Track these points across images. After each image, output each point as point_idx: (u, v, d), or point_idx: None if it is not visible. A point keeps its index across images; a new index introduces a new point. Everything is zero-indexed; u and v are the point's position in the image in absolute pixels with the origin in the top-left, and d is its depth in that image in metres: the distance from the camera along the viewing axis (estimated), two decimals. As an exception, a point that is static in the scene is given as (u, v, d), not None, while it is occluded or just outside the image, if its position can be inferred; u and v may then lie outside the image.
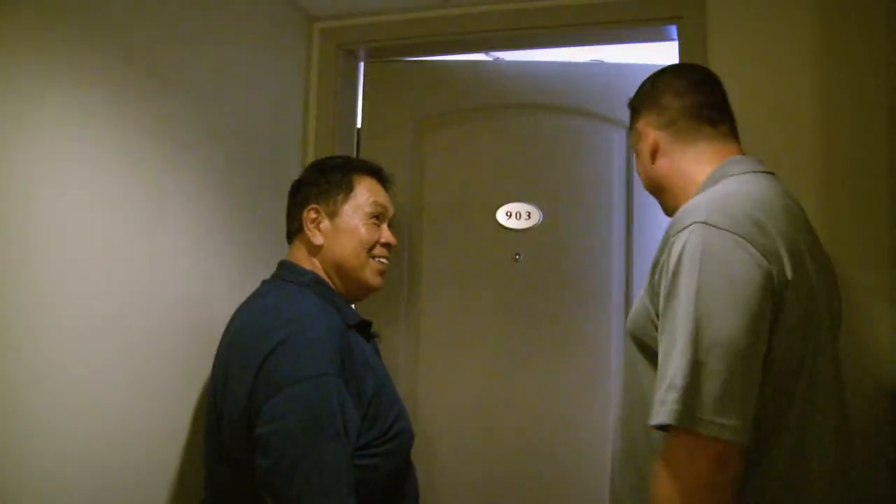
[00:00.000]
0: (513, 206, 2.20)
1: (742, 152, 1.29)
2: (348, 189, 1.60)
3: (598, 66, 2.35)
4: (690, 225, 1.06)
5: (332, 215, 1.58)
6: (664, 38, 2.05)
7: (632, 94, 1.41)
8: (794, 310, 1.05)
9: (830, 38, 1.80)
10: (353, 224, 1.58)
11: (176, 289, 1.59)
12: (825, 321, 1.12)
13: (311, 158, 2.18)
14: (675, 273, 1.04)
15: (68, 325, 1.30)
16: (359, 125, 2.33)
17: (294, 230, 1.62)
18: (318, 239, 1.57)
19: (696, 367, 0.98)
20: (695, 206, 1.10)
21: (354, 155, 2.29)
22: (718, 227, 1.04)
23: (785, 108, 1.82)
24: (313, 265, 1.57)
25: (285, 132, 2.09)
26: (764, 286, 1.01)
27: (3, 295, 1.18)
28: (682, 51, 1.92)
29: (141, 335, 1.47)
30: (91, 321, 1.35)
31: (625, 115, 1.45)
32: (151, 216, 1.51)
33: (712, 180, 1.21)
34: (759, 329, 1.00)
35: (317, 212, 1.58)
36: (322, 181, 1.61)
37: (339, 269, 1.57)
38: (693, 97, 1.30)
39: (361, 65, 2.33)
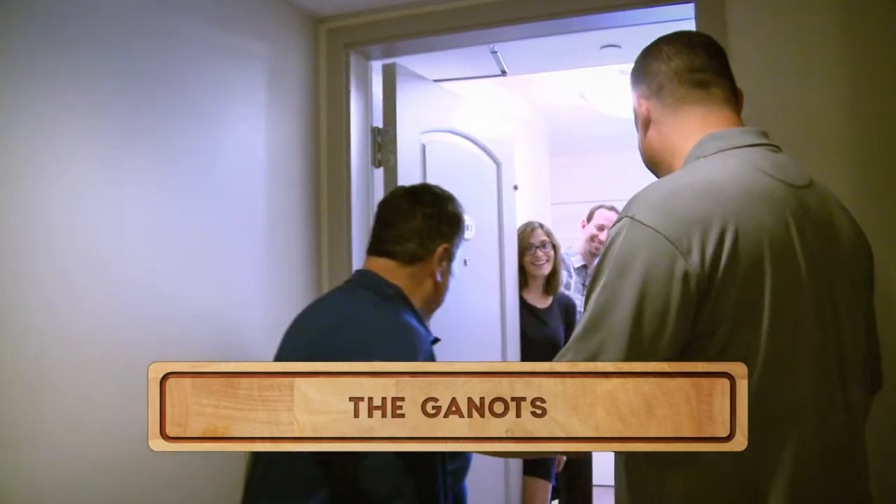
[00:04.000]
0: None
1: (736, 120, 1.18)
2: (458, 245, 1.59)
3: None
4: (623, 218, 1.04)
5: (450, 260, 1.57)
6: (680, 18, 1.97)
7: None
8: (725, 300, 0.98)
9: (855, 14, 1.71)
10: (452, 273, 1.59)
11: (193, 296, 1.59)
12: (805, 313, 1.03)
13: (323, 160, 2.16)
14: (599, 265, 1.04)
15: (80, 333, 1.30)
16: (374, 124, 2.29)
17: (417, 255, 1.52)
18: (441, 276, 1.55)
19: (593, 358, 0.98)
20: (636, 197, 1.06)
21: (370, 154, 2.26)
22: (645, 224, 1.01)
23: (809, 93, 1.74)
24: (398, 280, 1.51)
25: (297, 135, 2.07)
26: (683, 284, 0.97)
27: (23, 299, 1.17)
28: (699, 28, 1.84)
29: (154, 343, 1.46)
30: (103, 328, 1.35)
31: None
32: (170, 223, 1.50)
33: (689, 160, 1.14)
34: (667, 324, 0.97)
35: (446, 252, 1.54)
36: (459, 225, 1.59)
37: (428, 303, 1.56)
38: (680, 59, 1.20)
39: (371, 63, 2.30)
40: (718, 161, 1.10)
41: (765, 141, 1.14)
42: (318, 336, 1.43)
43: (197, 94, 1.64)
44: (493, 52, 2.42)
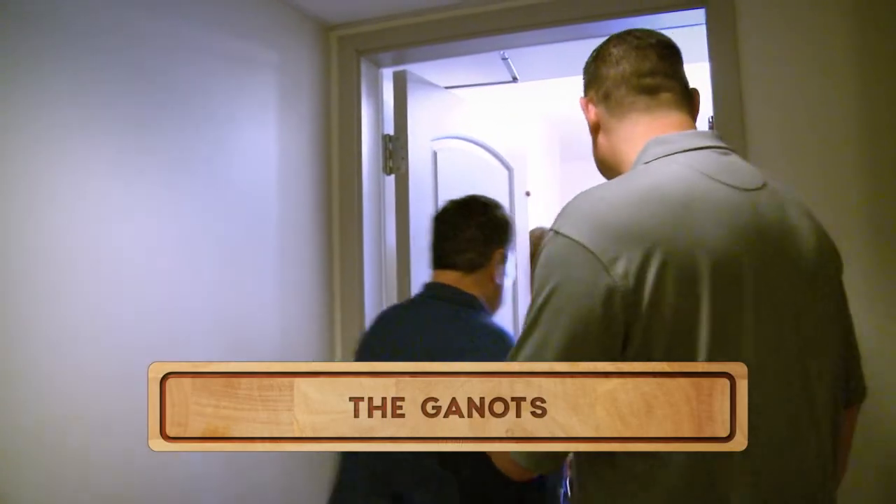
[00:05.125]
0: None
1: (686, 123, 1.12)
2: (511, 248, 1.68)
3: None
4: (550, 231, 0.99)
5: (505, 262, 1.66)
6: (692, 23, 1.97)
7: None
8: (657, 319, 0.92)
9: (867, 15, 1.69)
10: (507, 274, 1.68)
11: (204, 302, 1.59)
12: (751, 328, 0.96)
13: (335, 167, 2.17)
14: (533, 280, 1.00)
15: (87, 338, 1.30)
16: (386, 131, 2.30)
17: (477, 263, 1.61)
18: (500, 278, 1.64)
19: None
20: (564, 207, 1.01)
21: (381, 161, 2.27)
22: (569, 238, 0.95)
23: (821, 95, 1.72)
24: (466, 288, 1.60)
25: (308, 142, 2.08)
26: (605, 301, 0.91)
27: (32, 303, 1.18)
28: (711, 34, 1.84)
29: (164, 348, 1.47)
30: (112, 333, 1.35)
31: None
32: (180, 230, 1.51)
33: (632, 167, 1.09)
34: (588, 342, 0.92)
35: (502, 255, 1.63)
36: (509, 229, 1.68)
37: (492, 304, 1.65)
38: (628, 64, 1.14)
39: (382, 71, 2.31)
40: (659, 167, 1.04)
41: (714, 143, 1.07)
42: (429, 343, 1.49)
43: (207, 102, 1.65)
44: (504, 59, 2.42)
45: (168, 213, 1.52)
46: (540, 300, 0.94)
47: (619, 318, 0.91)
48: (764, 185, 1.04)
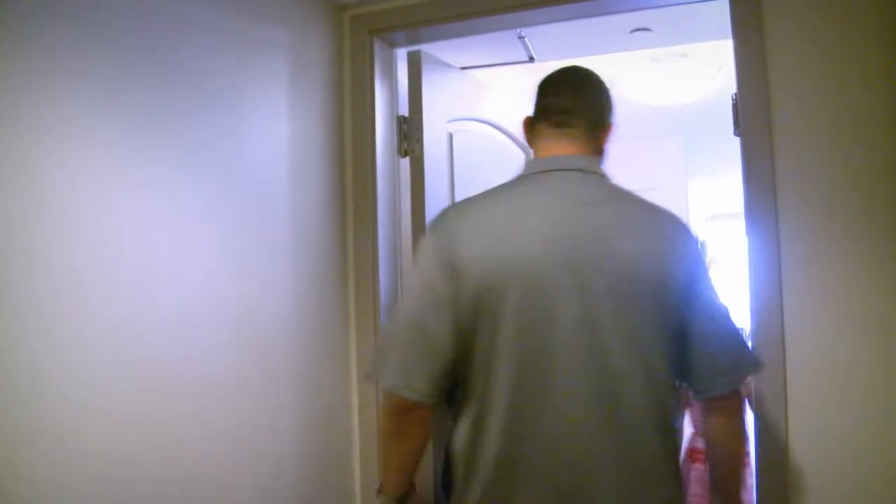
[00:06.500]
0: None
1: (571, 149, 1.37)
2: None
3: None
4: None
5: None
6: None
7: None
8: (464, 302, 1.26)
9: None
10: None
11: (214, 287, 1.57)
12: (549, 318, 1.24)
13: (348, 149, 2.14)
14: None
15: (90, 330, 1.28)
16: (400, 113, 2.26)
17: None
18: None
19: (387, 339, 1.34)
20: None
21: (395, 143, 2.23)
22: (430, 231, 1.34)
23: (852, 75, 1.66)
24: None
25: (320, 124, 2.04)
26: (443, 286, 1.27)
27: (34, 296, 1.16)
28: (735, 9, 1.78)
29: (174, 335, 1.46)
30: (122, 326, 1.33)
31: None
32: (191, 214, 1.49)
33: None
34: (435, 318, 1.27)
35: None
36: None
37: None
38: (546, 99, 1.43)
39: (396, 51, 2.27)
40: (508, 186, 1.37)
41: (572, 166, 1.35)
42: None
43: (216, 84, 1.62)
44: (521, 38, 2.37)
45: (176, 200, 1.48)
46: (409, 283, 1.48)
47: (450, 294, 1.27)
48: (605, 200, 1.32)
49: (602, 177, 1.38)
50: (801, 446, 1.64)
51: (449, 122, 2.32)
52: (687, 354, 1.32)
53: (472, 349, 1.28)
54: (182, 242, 1.49)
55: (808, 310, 1.66)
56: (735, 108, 1.81)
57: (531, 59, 2.55)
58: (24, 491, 1.15)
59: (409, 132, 2.23)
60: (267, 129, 1.79)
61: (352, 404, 2.06)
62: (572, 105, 1.40)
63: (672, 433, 1.32)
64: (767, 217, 1.70)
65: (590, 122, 1.40)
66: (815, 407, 1.64)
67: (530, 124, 1.45)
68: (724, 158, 5.83)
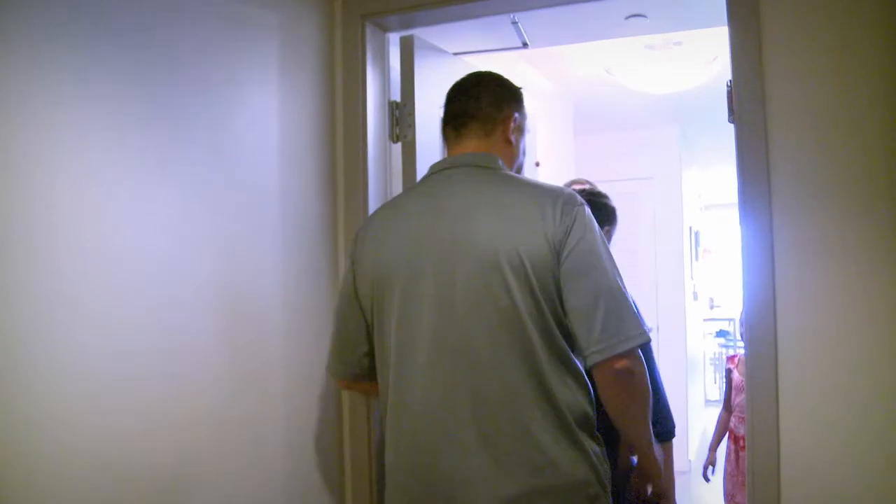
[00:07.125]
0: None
1: (469, 149, 1.54)
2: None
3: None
4: None
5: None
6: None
7: None
8: (363, 290, 1.55)
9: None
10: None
11: (204, 272, 1.56)
12: (416, 310, 1.44)
13: (339, 134, 2.12)
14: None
15: (96, 317, 1.26)
16: (392, 98, 2.24)
17: None
18: None
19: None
20: None
21: (387, 128, 2.21)
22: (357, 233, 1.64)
23: (847, 78, 1.64)
24: None
25: (311, 109, 2.02)
26: (350, 287, 1.59)
27: (29, 288, 1.14)
28: (730, 1, 1.76)
29: (165, 320, 1.44)
30: (113, 303, 1.31)
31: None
32: (179, 199, 1.47)
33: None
34: (347, 314, 1.61)
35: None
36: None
37: None
38: (448, 106, 1.61)
39: (388, 35, 2.24)
40: (410, 189, 1.63)
41: (464, 163, 1.52)
42: None
43: (206, 68, 1.59)
44: (515, 23, 2.34)
45: (166, 181, 1.46)
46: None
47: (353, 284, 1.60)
48: (472, 193, 1.46)
49: (493, 169, 1.50)
50: (793, 437, 1.64)
51: (441, 107, 2.29)
52: (568, 324, 1.40)
53: (377, 341, 1.54)
54: (169, 228, 1.47)
55: (801, 299, 1.65)
56: (730, 94, 1.80)
57: (525, 45, 2.53)
58: (25, 491, 1.15)
59: (401, 117, 2.21)
60: (257, 113, 1.77)
61: (341, 391, 2.05)
62: (468, 108, 1.57)
63: (554, 402, 1.37)
64: (761, 205, 1.69)
65: (485, 121, 1.56)
66: (806, 396, 1.64)
67: (441, 130, 1.62)
68: (719, 148, 5.82)
